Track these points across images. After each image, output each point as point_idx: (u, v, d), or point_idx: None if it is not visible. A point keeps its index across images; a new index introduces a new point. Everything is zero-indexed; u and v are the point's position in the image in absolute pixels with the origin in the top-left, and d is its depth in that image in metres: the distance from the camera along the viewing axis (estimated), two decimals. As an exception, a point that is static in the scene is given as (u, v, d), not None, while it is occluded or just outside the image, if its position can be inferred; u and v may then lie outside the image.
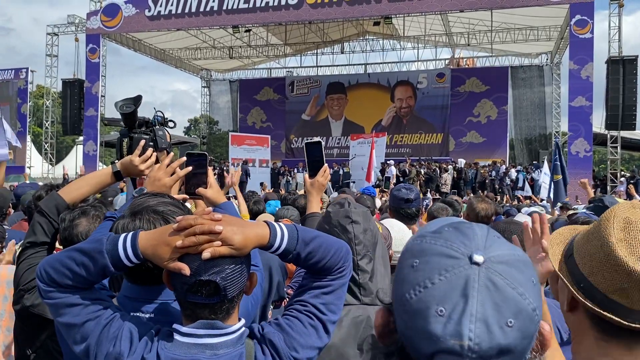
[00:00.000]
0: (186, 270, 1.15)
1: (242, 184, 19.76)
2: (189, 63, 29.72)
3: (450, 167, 21.32)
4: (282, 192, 11.98)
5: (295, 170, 22.57)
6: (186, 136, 41.13)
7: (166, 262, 1.16)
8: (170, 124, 2.26)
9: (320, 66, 30.24)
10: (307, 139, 2.40)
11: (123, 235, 1.21)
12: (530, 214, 5.97)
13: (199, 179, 1.92)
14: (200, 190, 1.91)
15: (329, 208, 1.72)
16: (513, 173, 20.53)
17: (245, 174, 20.27)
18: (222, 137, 30.58)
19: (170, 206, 1.48)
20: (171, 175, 1.88)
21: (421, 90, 27.64)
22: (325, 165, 2.24)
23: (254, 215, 4.79)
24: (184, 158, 1.92)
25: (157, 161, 2.10)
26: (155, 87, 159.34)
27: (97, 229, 1.74)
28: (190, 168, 1.90)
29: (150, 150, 2.08)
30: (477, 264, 0.72)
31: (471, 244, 0.75)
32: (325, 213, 1.74)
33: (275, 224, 1.26)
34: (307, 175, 2.26)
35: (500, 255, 0.74)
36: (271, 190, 15.22)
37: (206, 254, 1.14)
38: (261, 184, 18.84)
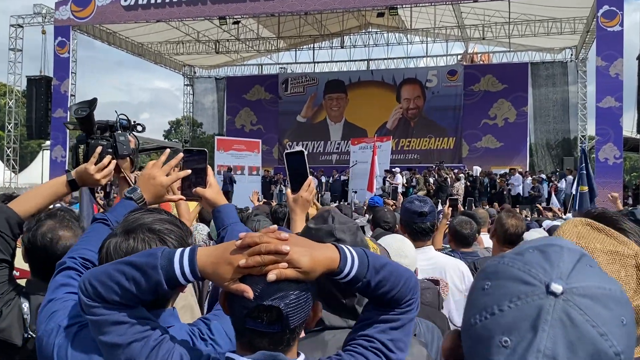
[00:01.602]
0: (249, 292, 1.15)
1: (226, 194, 19.75)
2: (170, 58, 29.81)
3: (463, 175, 21.42)
4: (274, 203, 11.93)
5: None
6: (166, 140, 41.13)
7: (227, 283, 1.17)
8: (139, 128, 2.30)
9: (318, 62, 30.42)
10: (293, 147, 2.42)
11: (179, 250, 1.22)
12: (550, 229, 5.99)
13: (197, 178, 1.95)
14: (199, 190, 1.94)
15: (310, 223, 1.68)
16: (529, 183, 20.61)
17: (230, 181, 20.25)
18: (207, 142, 30.54)
19: (167, 224, 1.50)
20: (167, 174, 1.93)
21: (430, 90, 27.77)
22: (310, 178, 2.24)
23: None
24: (181, 155, 1.96)
25: (117, 169, 2.15)
26: (132, 85, 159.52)
27: (86, 232, 1.78)
28: (189, 171, 1.94)
29: (108, 157, 2.12)
30: (554, 294, 0.71)
31: (552, 271, 0.74)
32: (304, 229, 1.70)
33: (344, 246, 1.26)
34: (289, 191, 2.24)
35: (586, 288, 0.73)
36: (262, 203, 15.18)
37: (271, 276, 1.14)
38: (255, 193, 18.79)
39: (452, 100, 27.32)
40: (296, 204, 2.23)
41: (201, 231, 5.20)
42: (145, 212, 1.51)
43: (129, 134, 2.24)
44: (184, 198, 2.03)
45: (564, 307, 0.71)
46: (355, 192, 18.86)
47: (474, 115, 26.76)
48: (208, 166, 1.99)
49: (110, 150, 2.14)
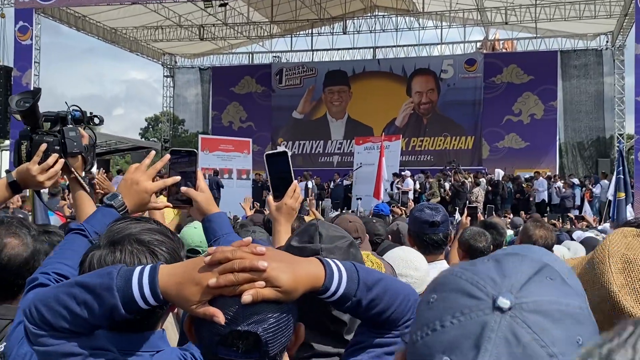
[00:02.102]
0: (220, 317, 1.14)
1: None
2: (147, 46, 29.88)
3: (483, 179, 21.40)
4: (267, 212, 11.89)
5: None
6: (143, 139, 41.22)
7: (194, 306, 1.15)
8: (95, 120, 2.29)
9: (317, 50, 30.30)
10: (287, 147, 2.37)
11: (139, 268, 1.20)
12: (583, 241, 5.94)
13: (186, 182, 1.98)
14: (192, 193, 1.97)
15: (292, 240, 1.66)
16: (559, 188, 20.57)
17: (216, 187, 20.24)
18: (190, 141, 30.61)
19: (157, 234, 1.50)
20: (153, 179, 1.95)
21: (446, 82, 27.75)
22: (295, 182, 2.23)
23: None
24: (168, 156, 1.98)
25: (67, 168, 2.15)
26: (104, 76, 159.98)
27: (60, 244, 1.78)
28: (179, 178, 1.96)
29: (54, 156, 2.10)
30: (500, 309, 0.72)
31: (503, 283, 0.75)
32: (285, 247, 1.67)
33: (330, 260, 1.25)
34: (270, 198, 2.23)
35: (538, 302, 0.74)
36: (253, 211, 15.11)
37: (247, 297, 1.12)
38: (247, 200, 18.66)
39: (471, 94, 27.31)
40: (280, 212, 2.21)
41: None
42: (132, 221, 1.53)
43: (83, 128, 2.21)
44: (171, 206, 2.05)
45: (510, 324, 0.72)
46: (360, 199, 18.86)
47: (495, 110, 26.72)
48: (199, 169, 2.01)
49: (58, 147, 2.12)
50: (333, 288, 1.21)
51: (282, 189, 2.20)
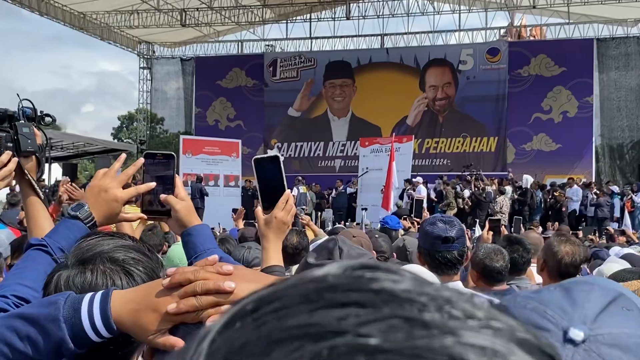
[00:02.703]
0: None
1: (196, 211, 19.56)
2: (121, 33, 30.01)
3: (508, 187, 21.40)
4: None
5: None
6: (115, 141, 41.09)
7: (152, 336, 1.14)
8: (47, 119, 2.29)
9: (316, 38, 30.63)
10: (281, 150, 2.39)
11: (89, 295, 1.19)
12: (626, 257, 5.92)
13: (163, 189, 1.98)
14: (171, 200, 1.97)
15: (309, 257, 1.67)
16: (595, 197, 20.54)
17: (200, 195, 20.21)
18: (170, 142, 30.51)
19: (132, 252, 1.50)
20: (124, 186, 1.94)
21: (465, 74, 27.84)
22: (288, 192, 2.21)
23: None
24: (142, 160, 1.98)
25: (19, 169, 2.12)
26: (71, 67, 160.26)
27: (19, 262, 1.77)
28: (154, 184, 1.95)
29: (7, 153, 2.08)
30: (573, 341, 0.72)
31: (574, 313, 0.75)
32: (301, 264, 1.67)
33: None
34: (259, 210, 2.22)
35: (616, 336, 0.73)
36: (242, 223, 15.13)
37: None
38: (234, 211, 18.63)
39: (494, 88, 27.37)
40: (269, 227, 2.19)
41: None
42: (104, 237, 1.52)
43: (34, 127, 2.20)
44: (146, 217, 2.04)
45: (584, 358, 0.71)
46: (366, 209, 18.78)
47: (522, 107, 26.71)
48: (177, 175, 2.02)
49: (10, 144, 2.09)
50: None
51: (272, 199, 2.19)
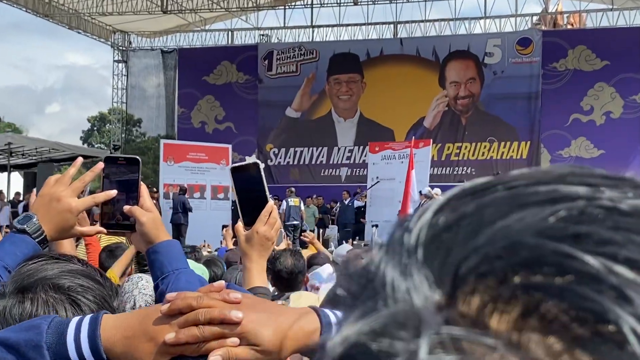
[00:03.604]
0: None
1: (178, 228, 19.54)
2: (92, 21, 30.09)
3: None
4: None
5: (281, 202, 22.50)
6: (85, 146, 41.18)
7: None
8: None
9: (319, 26, 30.78)
10: (251, 160, 2.44)
11: (76, 319, 1.21)
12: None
13: (127, 199, 1.99)
14: (135, 210, 1.96)
15: (338, 285, 1.59)
16: None
17: (182, 209, 20.15)
18: (149, 148, 30.63)
19: (80, 278, 1.51)
20: (80, 195, 1.95)
21: (492, 68, 27.88)
22: (271, 203, 2.23)
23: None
24: (101, 165, 1.98)
25: None
26: (34, 60, 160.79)
27: None
28: (115, 192, 1.96)
29: None
30: None
31: None
32: (328, 296, 1.63)
33: (328, 311, 1.28)
34: (239, 225, 2.23)
35: None
36: (232, 243, 15.09)
37: (215, 358, 1.14)
38: (223, 227, 18.46)
39: (525, 85, 27.35)
40: (250, 244, 2.20)
41: (143, 288, 5.05)
42: (48, 260, 1.53)
43: None
44: (105, 231, 2.03)
45: None
46: (377, 226, 18.72)
47: (558, 107, 26.76)
48: (142, 184, 2.02)
49: None
50: None
51: (253, 212, 2.19)
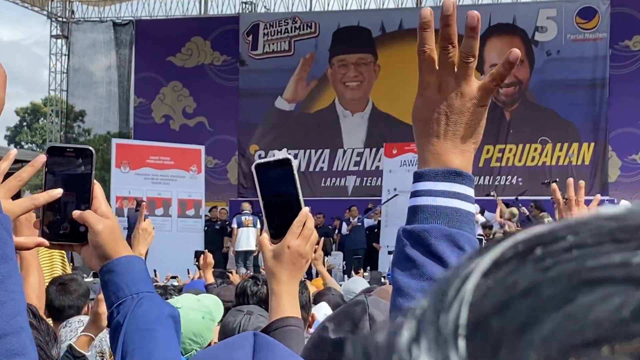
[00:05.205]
0: None
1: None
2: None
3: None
4: (234, 275, 11.91)
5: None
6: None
7: None
8: None
9: (319, -6, 29.07)
10: (282, 155, 2.64)
11: None
12: None
13: (77, 203, 2.04)
14: (87, 215, 2.00)
15: (323, 328, 1.69)
16: None
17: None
18: (97, 148, 30.65)
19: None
20: (14, 197, 1.97)
21: (544, 47, 27.90)
22: (306, 210, 2.32)
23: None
24: (43, 157, 2.02)
25: None
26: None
27: None
28: (60, 192, 1.98)
29: None
30: None
31: None
32: (313, 339, 1.86)
33: None
34: (265, 238, 2.33)
35: None
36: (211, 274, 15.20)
37: None
38: (198, 255, 18.39)
39: (588, 69, 27.23)
40: (279, 262, 2.28)
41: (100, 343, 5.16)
42: None
43: None
44: (47, 244, 2.07)
45: None
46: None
47: (631, 99, 26.57)
48: (96, 182, 2.09)
49: None
50: None
51: (283, 222, 2.30)
